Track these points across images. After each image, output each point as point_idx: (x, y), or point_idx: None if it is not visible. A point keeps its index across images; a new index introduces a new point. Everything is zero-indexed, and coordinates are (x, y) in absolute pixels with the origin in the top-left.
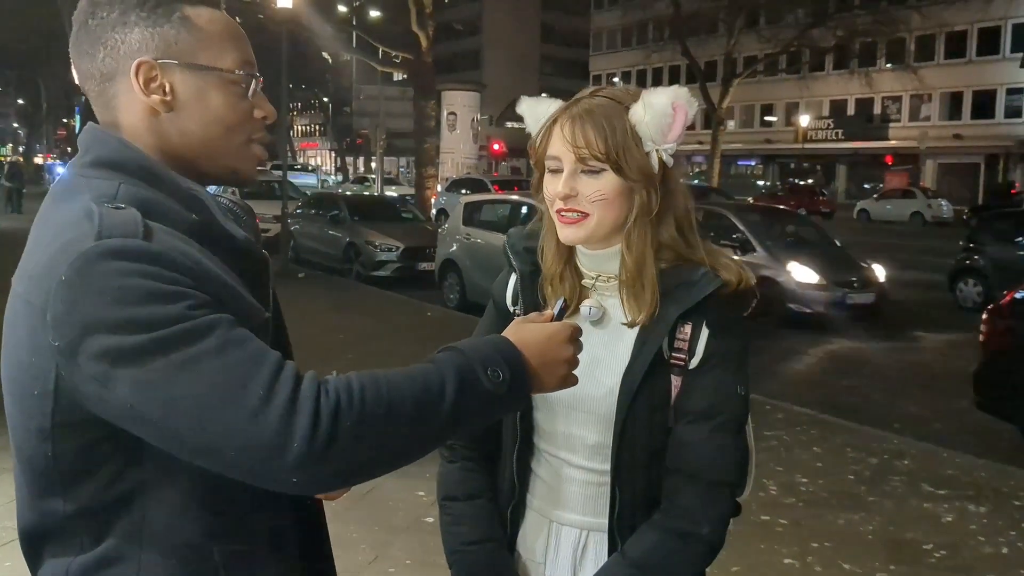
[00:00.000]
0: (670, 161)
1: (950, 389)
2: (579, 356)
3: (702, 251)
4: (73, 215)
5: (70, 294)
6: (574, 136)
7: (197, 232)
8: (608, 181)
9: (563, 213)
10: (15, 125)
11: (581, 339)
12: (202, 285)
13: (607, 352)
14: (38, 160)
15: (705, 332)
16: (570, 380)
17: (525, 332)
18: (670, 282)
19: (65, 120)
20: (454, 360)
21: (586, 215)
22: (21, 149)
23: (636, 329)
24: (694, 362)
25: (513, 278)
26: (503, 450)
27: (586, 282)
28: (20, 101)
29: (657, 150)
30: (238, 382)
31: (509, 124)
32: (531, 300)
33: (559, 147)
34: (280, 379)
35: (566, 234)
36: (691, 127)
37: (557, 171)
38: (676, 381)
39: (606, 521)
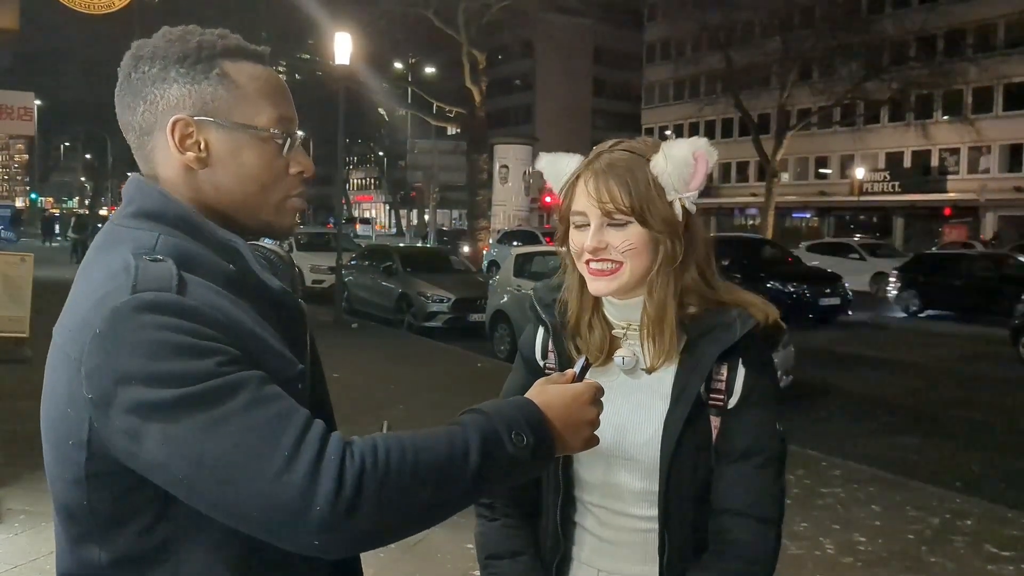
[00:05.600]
0: (692, 208)
1: (1015, 446)
2: (619, 405)
3: (723, 292)
4: (112, 268)
5: (104, 347)
6: (599, 192)
7: (233, 282)
8: (634, 232)
9: (593, 264)
10: (82, 179)
11: (612, 392)
12: (234, 340)
13: (646, 399)
14: (103, 212)
15: (742, 371)
16: (592, 441)
17: (548, 394)
18: (706, 325)
19: (128, 174)
20: (478, 423)
21: (619, 264)
22: (87, 202)
23: (673, 374)
24: (732, 401)
25: (541, 332)
26: (544, 505)
27: (616, 332)
28: (87, 156)
29: (680, 199)
30: (264, 443)
31: None
32: (564, 352)
33: (584, 203)
34: (306, 440)
35: (598, 287)
36: (744, 179)
37: (583, 226)
38: (715, 422)
39: (655, 568)
